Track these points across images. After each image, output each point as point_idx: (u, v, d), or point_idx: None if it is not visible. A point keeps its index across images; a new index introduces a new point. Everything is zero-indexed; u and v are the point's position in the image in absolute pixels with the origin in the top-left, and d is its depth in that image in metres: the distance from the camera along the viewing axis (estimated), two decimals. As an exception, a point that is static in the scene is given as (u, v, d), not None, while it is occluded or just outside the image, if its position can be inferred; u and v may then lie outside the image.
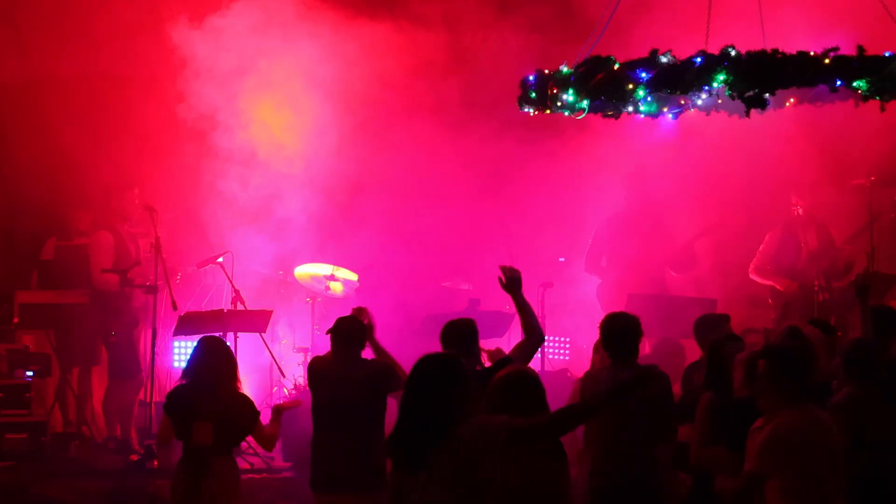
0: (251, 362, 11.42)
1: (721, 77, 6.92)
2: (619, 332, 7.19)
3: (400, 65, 11.62)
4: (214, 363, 7.40)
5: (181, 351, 11.78)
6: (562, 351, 12.66)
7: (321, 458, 7.48)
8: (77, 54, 11.39)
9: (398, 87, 11.65)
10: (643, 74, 7.04)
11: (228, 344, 7.99)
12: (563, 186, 12.26)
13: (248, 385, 11.21)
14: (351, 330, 7.54)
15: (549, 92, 7.46)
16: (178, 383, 7.64)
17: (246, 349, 11.05)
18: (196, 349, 7.49)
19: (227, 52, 11.60)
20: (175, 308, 10.84)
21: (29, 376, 10.83)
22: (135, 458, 10.46)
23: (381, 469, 7.44)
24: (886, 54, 7.01)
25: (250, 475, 9.83)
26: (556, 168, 12.16)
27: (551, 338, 12.12)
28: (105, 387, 11.22)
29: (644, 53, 7.08)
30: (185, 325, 10.50)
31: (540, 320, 10.89)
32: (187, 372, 7.51)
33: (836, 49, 6.94)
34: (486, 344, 7.51)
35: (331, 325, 7.67)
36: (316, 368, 7.67)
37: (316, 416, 7.54)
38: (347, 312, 7.82)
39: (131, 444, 10.95)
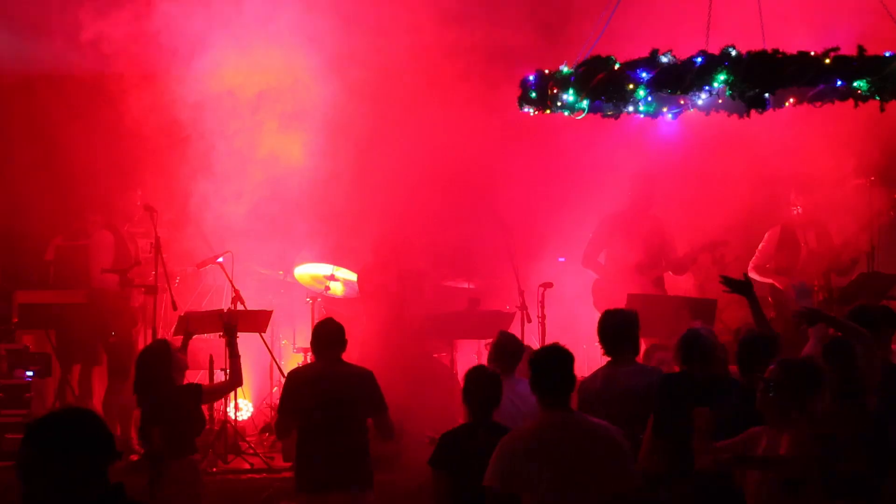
0: (251, 363, 11.40)
1: (721, 77, 6.92)
2: (616, 327, 7.16)
3: (398, 61, 11.59)
4: (149, 372, 7.72)
5: (180, 351, 11.76)
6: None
7: (314, 459, 7.52)
8: (77, 54, 11.37)
9: (397, 82, 11.62)
10: (643, 74, 7.03)
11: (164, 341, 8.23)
12: (563, 186, 12.24)
13: (249, 385, 11.23)
14: (331, 333, 7.67)
15: (549, 92, 7.46)
16: None
17: (246, 349, 11.03)
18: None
19: (227, 51, 11.60)
20: (175, 308, 10.84)
21: (29, 376, 10.82)
22: (135, 458, 10.45)
23: (370, 467, 7.50)
24: (886, 54, 7.02)
25: (250, 475, 9.82)
26: (557, 167, 12.14)
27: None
28: (105, 387, 11.23)
29: (644, 53, 7.08)
30: (185, 326, 10.49)
31: (540, 321, 11.00)
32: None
33: (836, 49, 6.94)
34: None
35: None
36: (298, 374, 7.86)
37: (304, 419, 7.58)
38: (348, 312, 7.89)
39: (131, 444, 10.93)
